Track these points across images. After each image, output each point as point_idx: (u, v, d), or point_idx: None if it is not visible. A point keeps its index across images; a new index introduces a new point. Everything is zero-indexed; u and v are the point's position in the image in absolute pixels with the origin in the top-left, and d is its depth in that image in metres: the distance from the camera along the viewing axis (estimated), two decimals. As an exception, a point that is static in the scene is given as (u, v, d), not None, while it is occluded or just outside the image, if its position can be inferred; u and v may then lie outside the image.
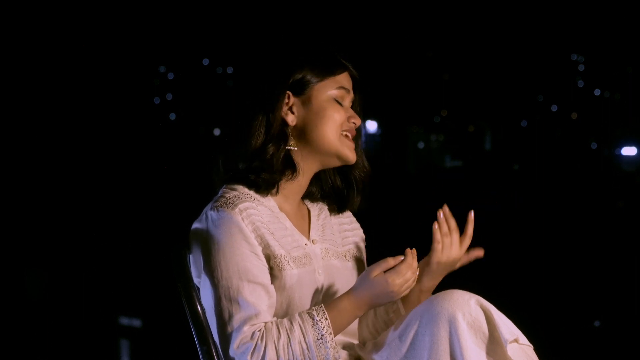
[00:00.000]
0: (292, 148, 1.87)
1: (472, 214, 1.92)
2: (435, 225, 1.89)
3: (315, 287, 1.87)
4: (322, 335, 1.75)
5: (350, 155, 1.91)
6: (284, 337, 1.75)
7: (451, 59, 13.64)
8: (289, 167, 1.87)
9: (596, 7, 11.84)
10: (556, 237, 7.96)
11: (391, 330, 1.82)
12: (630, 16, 11.40)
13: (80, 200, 8.43)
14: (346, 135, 1.90)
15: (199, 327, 1.81)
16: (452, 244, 1.91)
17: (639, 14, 11.33)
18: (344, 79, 1.91)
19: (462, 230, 1.93)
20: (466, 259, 1.94)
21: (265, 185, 1.86)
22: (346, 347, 1.91)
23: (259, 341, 1.75)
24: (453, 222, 1.91)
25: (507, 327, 1.74)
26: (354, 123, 1.91)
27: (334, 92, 1.89)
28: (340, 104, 1.90)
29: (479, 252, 1.94)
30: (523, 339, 1.77)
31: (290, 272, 1.82)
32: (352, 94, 1.93)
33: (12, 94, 8.80)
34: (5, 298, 5.52)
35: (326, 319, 1.76)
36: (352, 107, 1.95)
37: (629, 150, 12.53)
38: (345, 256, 1.95)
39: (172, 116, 12.20)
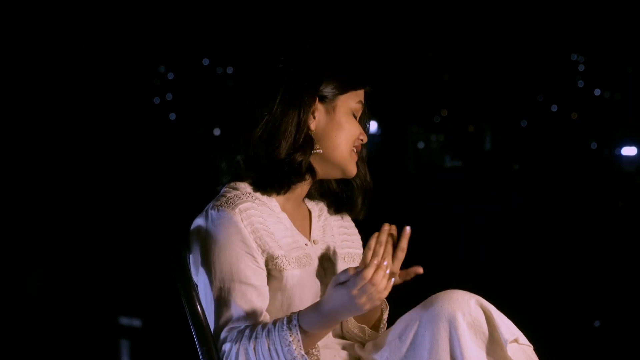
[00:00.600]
0: (317, 151, 1.88)
1: (407, 230, 1.84)
2: (375, 234, 1.85)
3: (316, 287, 1.87)
4: (289, 342, 1.74)
5: (354, 170, 1.93)
6: (254, 342, 1.75)
7: (451, 59, 13.64)
8: (309, 172, 1.88)
9: (596, 7, 11.84)
10: (556, 237, 7.96)
11: (391, 330, 1.82)
12: (630, 16, 11.40)
13: (80, 200, 8.43)
14: (354, 150, 1.92)
15: (199, 327, 1.81)
16: (385, 253, 1.87)
17: (639, 14, 11.33)
18: (362, 94, 1.94)
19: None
20: (404, 274, 1.87)
21: (280, 186, 1.87)
22: (346, 347, 1.91)
23: (234, 344, 1.76)
24: (392, 237, 1.86)
25: (507, 327, 1.74)
26: (362, 140, 1.93)
27: (354, 105, 1.91)
28: (355, 117, 1.92)
29: (417, 269, 1.87)
30: (523, 339, 1.77)
31: (291, 273, 1.83)
32: (361, 112, 1.95)
33: (12, 94, 8.80)
34: (5, 298, 5.52)
35: (295, 326, 1.75)
36: (361, 121, 1.97)
37: (629, 150, 12.53)
38: (344, 258, 1.96)
39: (172, 116, 12.20)
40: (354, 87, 1.91)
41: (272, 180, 1.86)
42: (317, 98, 1.88)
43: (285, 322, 1.75)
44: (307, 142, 1.87)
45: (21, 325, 4.99)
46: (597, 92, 13.83)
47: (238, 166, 1.90)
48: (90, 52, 9.90)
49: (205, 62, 12.13)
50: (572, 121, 14.09)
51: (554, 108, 14.22)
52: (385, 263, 1.71)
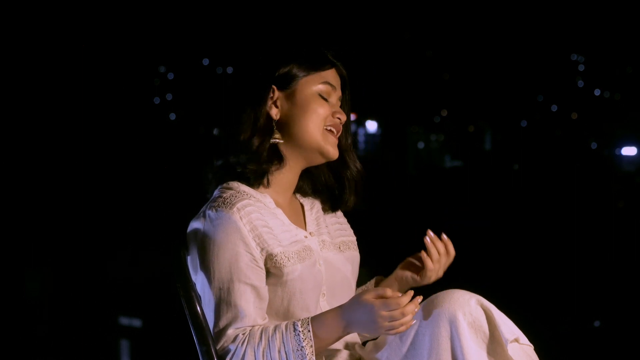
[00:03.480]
0: (277, 141, 1.88)
1: (444, 236, 1.91)
2: (424, 254, 1.89)
3: (316, 279, 1.87)
4: (302, 347, 1.73)
5: (332, 151, 1.90)
6: (264, 344, 1.74)
7: (451, 59, 13.64)
8: (276, 157, 1.88)
9: (596, 7, 11.85)
10: (556, 237, 7.96)
11: (392, 330, 1.82)
12: (630, 16, 11.40)
13: (80, 200, 8.43)
14: (330, 131, 1.91)
15: (199, 327, 1.81)
16: (441, 266, 1.92)
17: (639, 14, 11.33)
18: (330, 75, 1.92)
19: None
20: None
21: (254, 176, 1.87)
22: (347, 346, 1.91)
23: (240, 345, 1.75)
24: (442, 247, 1.91)
25: (507, 327, 1.74)
26: (339, 118, 1.92)
27: (319, 87, 1.90)
28: (325, 99, 1.91)
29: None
30: (523, 338, 1.77)
31: (292, 268, 1.82)
32: (339, 92, 1.93)
33: (13, 94, 8.80)
34: (5, 298, 5.52)
35: (309, 331, 1.75)
36: (341, 106, 1.95)
37: (629, 150, 12.54)
38: (340, 247, 1.96)
39: (172, 116, 12.20)
40: (314, 69, 1.89)
41: (241, 173, 1.87)
42: (273, 87, 1.89)
43: (298, 326, 1.75)
44: (265, 129, 1.87)
45: (21, 325, 4.99)
46: (597, 92, 13.83)
47: (227, 166, 1.90)
48: (90, 52, 9.90)
49: (205, 62, 12.13)
50: (572, 121, 14.09)
51: (554, 108, 14.22)
52: (420, 301, 1.72)
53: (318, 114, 1.88)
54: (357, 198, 1.99)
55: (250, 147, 1.85)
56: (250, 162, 1.86)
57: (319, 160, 1.92)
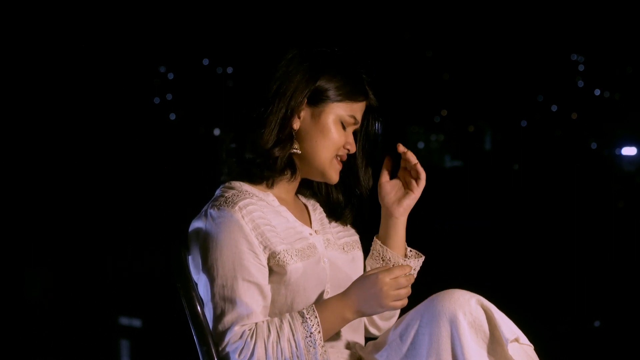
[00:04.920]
0: (296, 151, 1.90)
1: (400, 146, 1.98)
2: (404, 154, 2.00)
3: (320, 278, 1.88)
4: (311, 333, 1.76)
5: (334, 177, 1.94)
6: (273, 335, 1.76)
7: (451, 59, 13.63)
8: (289, 168, 1.90)
9: (596, 7, 11.84)
10: (556, 237, 7.95)
11: (392, 330, 1.83)
12: (630, 16, 11.40)
13: (80, 200, 8.42)
14: (337, 159, 1.93)
15: (199, 327, 1.81)
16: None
17: (639, 14, 11.33)
18: (359, 108, 1.94)
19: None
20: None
21: (261, 179, 1.89)
22: (348, 346, 1.91)
23: (249, 339, 1.76)
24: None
25: (507, 327, 1.74)
26: (348, 150, 1.93)
27: (344, 116, 1.92)
28: (344, 127, 1.92)
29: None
30: (524, 338, 1.78)
31: (295, 266, 1.84)
32: (358, 125, 1.95)
33: (12, 94, 8.80)
34: (5, 298, 5.51)
35: (316, 317, 1.77)
36: (365, 131, 1.97)
37: (629, 150, 12.53)
38: (343, 248, 1.97)
39: (172, 116, 12.19)
40: (349, 99, 1.91)
41: (253, 172, 1.88)
42: (306, 99, 1.89)
43: (305, 314, 1.77)
44: (287, 139, 1.88)
45: (21, 325, 4.99)
46: (597, 92, 13.83)
47: (231, 165, 1.91)
48: (90, 52, 9.90)
49: (205, 62, 12.13)
50: (572, 121, 14.08)
51: (554, 108, 14.21)
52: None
53: (334, 142, 1.91)
54: (354, 215, 2.04)
55: (270, 154, 1.87)
56: (265, 167, 1.87)
57: (318, 179, 1.96)
